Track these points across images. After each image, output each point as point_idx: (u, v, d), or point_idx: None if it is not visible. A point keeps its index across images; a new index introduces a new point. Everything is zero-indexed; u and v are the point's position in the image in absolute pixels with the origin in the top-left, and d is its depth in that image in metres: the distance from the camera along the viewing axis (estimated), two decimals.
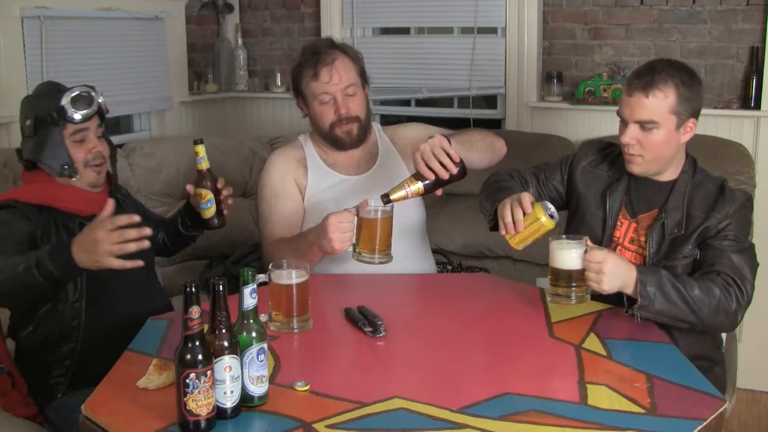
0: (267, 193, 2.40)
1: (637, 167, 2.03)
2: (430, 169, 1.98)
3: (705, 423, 1.41)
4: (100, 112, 2.09)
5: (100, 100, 2.08)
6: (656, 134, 1.97)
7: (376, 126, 2.52)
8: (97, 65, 3.45)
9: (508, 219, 1.90)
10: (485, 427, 1.38)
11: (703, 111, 3.32)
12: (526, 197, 1.91)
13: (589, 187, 2.17)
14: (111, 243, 1.72)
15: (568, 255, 1.84)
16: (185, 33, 4.01)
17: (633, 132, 1.98)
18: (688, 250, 2.01)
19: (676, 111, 1.97)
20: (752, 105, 3.21)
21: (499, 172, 2.25)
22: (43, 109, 2.03)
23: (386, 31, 4.07)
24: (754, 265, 1.99)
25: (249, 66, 4.28)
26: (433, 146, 1.99)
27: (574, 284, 1.85)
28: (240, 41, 4.23)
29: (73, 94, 2.03)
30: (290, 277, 1.82)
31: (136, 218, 1.76)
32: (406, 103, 4.07)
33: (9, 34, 3.12)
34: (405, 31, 4.06)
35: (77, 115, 2.03)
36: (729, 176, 2.91)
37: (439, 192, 2.05)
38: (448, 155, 1.99)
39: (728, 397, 2.11)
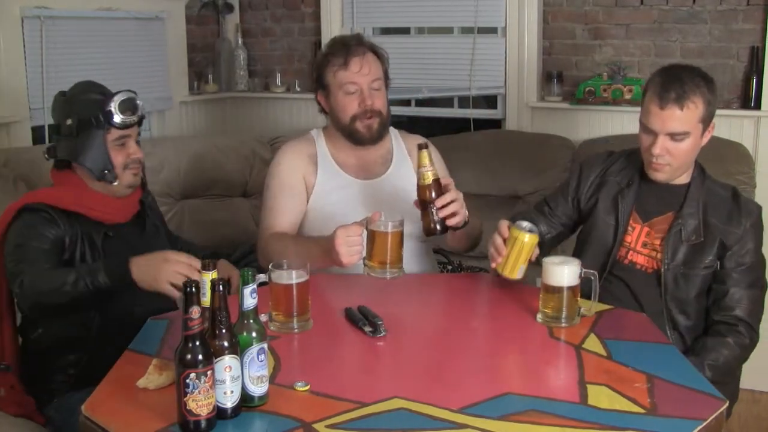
0: (274, 184, 2.37)
1: (663, 175, 2.05)
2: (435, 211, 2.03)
3: (705, 423, 1.41)
4: (140, 119, 2.10)
5: (141, 104, 2.08)
6: (686, 143, 1.99)
7: (393, 130, 2.48)
8: (97, 65, 3.44)
9: (491, 249, 1.92)
10: (485, 427, 1.38)
11: None
12: (502, 224, 1.93)
13: (601, 196, 2.18)
14: (175, 270, 1.80)
15: (561, 271, 1.83)
16: (185, 33, 4.01)
17: (663, 143, 1.99)
18: (709, 260, 2.04)
19: (703, 118, 1.99)
20: (752, 105, 3.21)
21: None
22: (88, 111, 2.02)
23: (386, 31, 4.07)
24: (763, 298, 2.10)
25: (249, 66, 4.28)
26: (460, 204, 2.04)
27: (564, 305, 1.83)
28: (240, 41, 4.23)
29: (121, 99, 2.02)
30: (290, 277, 1.82)
31: (197, 263, 1.80)
32: (406, 103, 4.08)
33: (9, 34, 3.12)
34: (405, 31, 4.06)
35: (123, 121, 2.02)
36: (729, 176, 2.92)
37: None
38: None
39: (733, 404, 2.11)
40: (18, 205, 2.02)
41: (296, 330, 1.82)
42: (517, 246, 1.87)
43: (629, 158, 2.17)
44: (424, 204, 2.03)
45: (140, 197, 2.18)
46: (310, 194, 2.36)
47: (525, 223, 1.89)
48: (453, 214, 2.02)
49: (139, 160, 2.10)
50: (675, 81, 1.97)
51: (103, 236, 2.05)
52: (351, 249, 1.96)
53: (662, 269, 2.06)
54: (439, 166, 2.19)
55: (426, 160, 2.00)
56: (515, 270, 1.89)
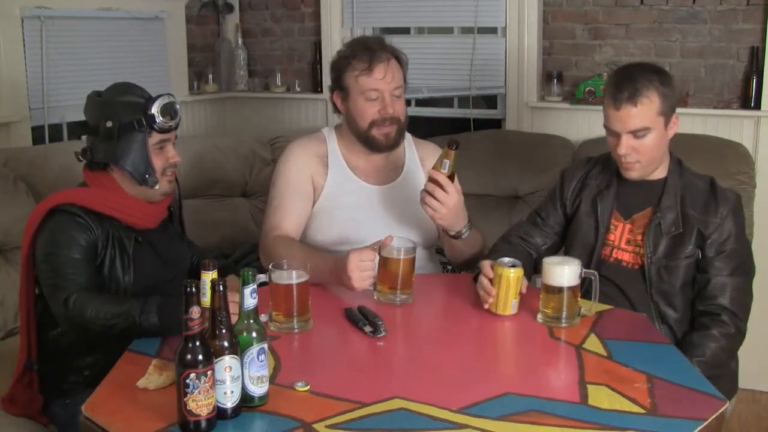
0: (281, 182, 2.33)
1: (635, 173, 2.08)
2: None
3: (705, 423, 1.41)
4: (178, 123, 2.07)
5: (178, 107, 2.06)
6: (649, 138, 2.02)
7: (408, 136, 2.44)
8: (97, 65, 3.45)
9: (481, 292, 1.93)
10: (485, 427, 1.38)
11: (703, 111, 3.36)
12: (485, 264, 1.94)
13: (582, 199, 2.22)
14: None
15: (561, 271, 1.84)
16: (185, 33, 4.01)
17: (628, 142, 2.03)
18: (689, 250, 2.06)
19: (662, 111, 2.02)
20: (752, 105, 3.21)
21: (498, 246, 2.25)
22: (130, 114, 1.98)
23: (386, 31, 4.07)
24: (749, 286, 2.09)
25: (249, 66, 4.28)
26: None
27: (564, 305, 1.84)
28: (240, 41, 4.23)
29: (164, 103, 1.99)
30: (290, 277, 1.82)
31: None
32: (406, 102, 4.07)
33: (9, 34, 3.12)
34: (405, 31, 4.06)
35: (166, 124, 1.99)
36: (729, 176, 2.92)
37: None
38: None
39: (730, 399, 2.11)
40: (48, 205, 1.98)
41: (296, 330, 1.82)
42: (503, 283, 1.88)
43: (607, 161, 2.21)
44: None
45: (169, 203, 2.16)
46: (319, 195, 2.33)
47: (506, 259, 1.92)
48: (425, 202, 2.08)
49: (176, 164, 2.07)
50: (626, 80, 2.01)
51: (134, 242, 2.03)
52: (363, 274, 1.95)
53: (645, 263, 2.08)
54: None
55: (448, 158, 2.03)
56: (507, 306, 1.90)
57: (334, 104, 2.37)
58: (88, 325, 1.87)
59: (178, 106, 2.04)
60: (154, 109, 1.97)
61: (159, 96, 2.00)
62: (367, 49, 2.27)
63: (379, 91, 2.25)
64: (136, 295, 1.90)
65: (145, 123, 1.97)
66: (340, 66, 2.31)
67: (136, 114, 1.97)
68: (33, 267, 2.00)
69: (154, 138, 2.00)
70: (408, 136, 2.45)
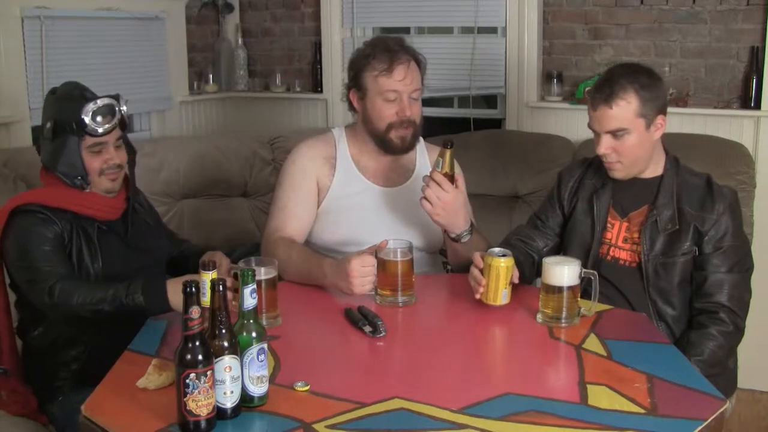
0: (287, 185, 2.32)
1: (618, 172, 2.10)
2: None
3: (705, 423, 1.41)
4: (122, 123, 2.05)
5: (123, 109, 2.04)
6: (628, 139, 2.03)
7: (420, 141, 2.43)
8: (97, 65, 3.45)
9: (471, 282, 1.94)
10: (485, 427, 1.38)
11: (703, 111, 3.35)
12: (476, 255, 1.96)
13: (579, 198, 2.23)
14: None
15: (561, 271, 1.84)
16: (185, 33, 4.01)
17: (607, 142, 2.05)
18: (686, 246, 2.06)
19: (642, 113, 2.02)
20: (752, 105, 3.21)
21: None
22: (64, 116, 1.98)
23: (386, 31, 4.06)
24: (748, 282, 2.09)
25: (249, 66, 4.28)
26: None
27: (564, 305, 1.84)
28: (240, 41, 4.23)
29: (97, 106, 1.97)
30: (258, 273, 1.80)
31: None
32: None
33: (9, 34, 3.12)
34: (405, 31, 4.05)
35: (97, 129, 1.98)
36: (729, 176, 2.92)
37: None
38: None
39: (728, 397, 2.11)
40: (8, 208, 1.99)
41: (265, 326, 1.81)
42: (493, 273, 1.89)
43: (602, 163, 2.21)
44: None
45: (126, 195, 2.16)
46: (324, 195, 2.32)
47: (496, 249, 1.93)
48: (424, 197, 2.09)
49: (116, 165, 2.05)
50: (605, 82, 2.04)
51: (97, 229, 2.05)
52: (364, 279, 1.96)
53: (642, 260, 2.08)
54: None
55: (441, 156, 2.05)
56: (498, 296, 1.90)
57: (349, 102, 2.36)
58: (75, 312, 1.88)
59: (120, 108, 2.02)
60: (85, 113, 1.96)
61: (96, 98, 1.99)
62: (388, 50, 2.25)
63: (397, 92, 2.24)
64: (147, 311, 1.90)
65: (75, 127, 1.97)
66: (359, 65, 2.30)
67: (68, 117, 1.97)
68: (2, 272, 2.01)
69: (88, 141, 2.00)
70: (422, 141, 2.44)
